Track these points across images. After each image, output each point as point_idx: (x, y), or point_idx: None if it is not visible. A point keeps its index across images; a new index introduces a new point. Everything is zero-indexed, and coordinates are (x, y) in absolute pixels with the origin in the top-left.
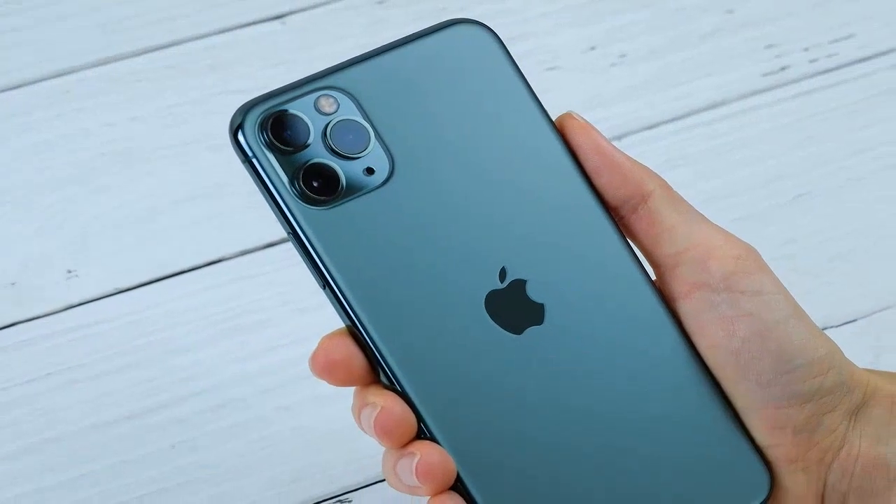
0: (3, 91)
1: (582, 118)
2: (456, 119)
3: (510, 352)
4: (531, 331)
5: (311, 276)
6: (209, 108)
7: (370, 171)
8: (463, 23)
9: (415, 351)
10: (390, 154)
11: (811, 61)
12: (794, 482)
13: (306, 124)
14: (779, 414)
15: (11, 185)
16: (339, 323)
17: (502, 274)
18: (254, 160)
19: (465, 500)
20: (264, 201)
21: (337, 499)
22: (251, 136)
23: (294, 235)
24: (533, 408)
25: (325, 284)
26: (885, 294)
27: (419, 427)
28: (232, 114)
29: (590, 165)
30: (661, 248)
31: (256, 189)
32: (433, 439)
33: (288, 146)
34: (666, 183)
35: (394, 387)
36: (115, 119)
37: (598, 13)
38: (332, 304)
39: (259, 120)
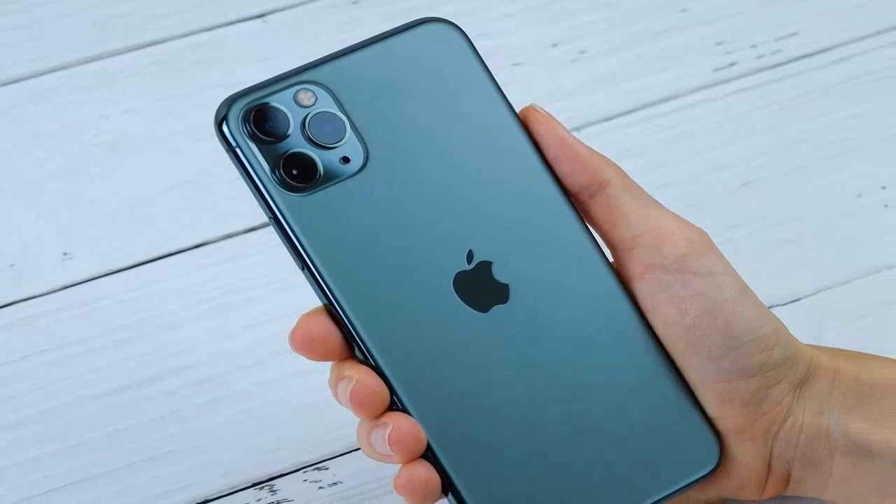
0: (3, 85)
1: (544, 110)
2: (426, 111)
3: (477, 328)
4: (497, 309)
5: (291, 257)
6: (196, 101)
7: (346, 160)
8: (433, 21)
9: (387, 327)
10: (365, 144)
11: (758, 57)
12: (743, 451)
13: (286, 116)
14: (728, 387)
15: (11, 174)
16: (317, 302)
17: (469, 256)
18: (237, 150)
19: (434, 467)
20: (247, 188)
21: (315, 466)
22: (235, 127)
23: (275, 220)
24: (498, 380)
25: (303, 265)
26: (827, 275)
27: (391, 399)
28: (217, 106)
29: (551, 154)
30: (618, 232)
31: (240, 177)
32: (405, 410)
33: (269, 136)
34: (623, 171)
35: (368, 361)
36: (107, 112)
37: (560, 12)
38: (310, 283)
39: (242, 112)
